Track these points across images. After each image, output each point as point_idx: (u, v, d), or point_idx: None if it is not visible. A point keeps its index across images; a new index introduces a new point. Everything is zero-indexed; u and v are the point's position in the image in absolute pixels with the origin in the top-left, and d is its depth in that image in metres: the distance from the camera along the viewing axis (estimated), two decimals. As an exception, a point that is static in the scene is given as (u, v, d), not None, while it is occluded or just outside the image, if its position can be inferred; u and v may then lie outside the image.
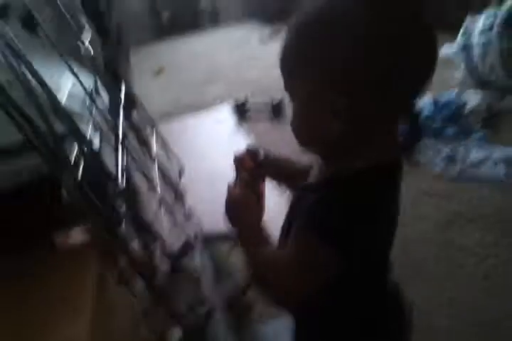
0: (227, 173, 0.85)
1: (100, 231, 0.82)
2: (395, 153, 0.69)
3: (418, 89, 0.64)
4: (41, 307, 0.93)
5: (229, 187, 0.79)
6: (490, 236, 1.66)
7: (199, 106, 3.22)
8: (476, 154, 2.03)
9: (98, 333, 0.89)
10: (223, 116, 3.02)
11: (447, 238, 1.68)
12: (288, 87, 0.68)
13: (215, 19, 4.91)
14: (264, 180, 0.85)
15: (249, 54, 4.00)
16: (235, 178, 0.82)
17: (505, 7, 2.41)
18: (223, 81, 3.55)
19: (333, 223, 0.64)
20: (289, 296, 0.68)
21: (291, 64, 0.66)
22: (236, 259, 1.55)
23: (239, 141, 2.71)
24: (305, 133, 0.69)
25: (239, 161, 0.84)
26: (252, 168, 0.83)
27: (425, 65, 0.62)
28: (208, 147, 2.66)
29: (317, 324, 0.79)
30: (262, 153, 0.86)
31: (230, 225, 0.77)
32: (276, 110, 2.87)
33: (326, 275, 0.66)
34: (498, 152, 2.02)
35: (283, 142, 2.55)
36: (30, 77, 0.78)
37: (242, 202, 0.77)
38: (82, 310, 0.91)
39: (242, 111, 2.96)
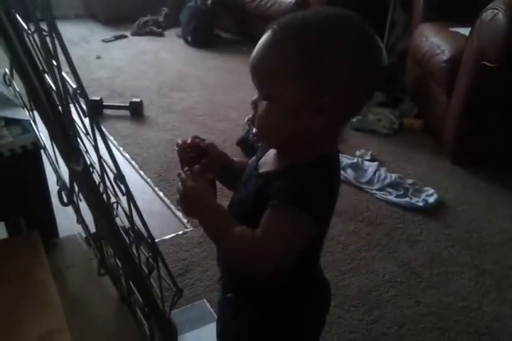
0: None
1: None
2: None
3: (373, 91, 0.81)
4: (4, 305, 0.86)
5: (183, 179, 0.79)
6: (350, 226, 1.97)
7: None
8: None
9: (75, 323, 0.86)
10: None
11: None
12: (268, 86, 0.74)
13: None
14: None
15: (93, 52, 3.88)
16: (183, 169, 0.83)
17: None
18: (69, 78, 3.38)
19: (315, 197, 0.74)
20: (277, 266, 0.74)
21: (279, 65, 0.72)
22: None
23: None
24: (281, 129, 0.76)
25: (185, 151, 0.86)
26: (202, 160, 0.84)
27: (380, 73, 0.79)
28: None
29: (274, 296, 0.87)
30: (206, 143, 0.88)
31: (190, 215, 0.82)
32: (135, 109, 2.88)
33: (305, 246, 0.76)
34: (346, 159, 2.39)
35: (146, 140, 2.60)
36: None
37: (202, 194, 0.78)
38: (49, 304, 0.87)
39: (98, 108, 2.88)
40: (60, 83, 0.66)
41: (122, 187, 0.75)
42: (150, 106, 2.99)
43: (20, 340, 0.78)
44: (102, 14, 4.68)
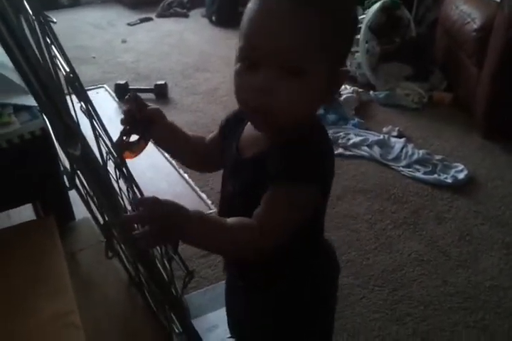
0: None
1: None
2: None
3: None
4: (19, 287, 0.88)
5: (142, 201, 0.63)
6: (375, 204, 1.93)
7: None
8: (354, 138, 2.31)
9: (85, 305, 0.87)
10: (104, 97, 2.93)
11: (341, 208, 1.91)
12: (299, 60, 0.65)
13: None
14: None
15: (119, 36, 3.89)
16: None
17: (369, 12, 2.76)
18: (95, 62, 3.40)
19: (317, 168, 0.70)
20: (277, 242, 0.69)
21: (311, 35, 0.64)
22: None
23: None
24: (308, 109, 0.70)
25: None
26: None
27: None
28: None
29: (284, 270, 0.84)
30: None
31: (171, 238, 0.66)
32: (159, 92, 2.88)
33: (307, 217, 0.72)
34: (372, 136, 2.33)
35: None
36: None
37: (176, 207, 0.64)
38: (61, 287, 0.89)
39: (124, 92, 2.89)
40: (50, 64, 0.65)
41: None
42: (175, 88, 2.99)
43: (32, 321, 0.80)
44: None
